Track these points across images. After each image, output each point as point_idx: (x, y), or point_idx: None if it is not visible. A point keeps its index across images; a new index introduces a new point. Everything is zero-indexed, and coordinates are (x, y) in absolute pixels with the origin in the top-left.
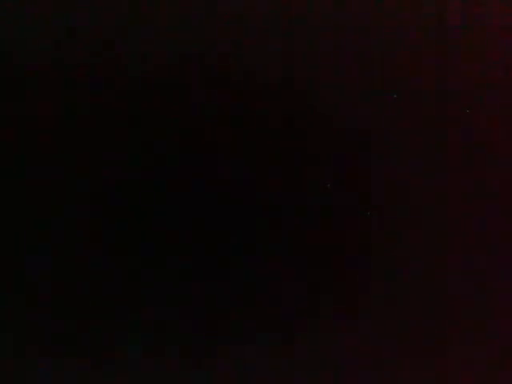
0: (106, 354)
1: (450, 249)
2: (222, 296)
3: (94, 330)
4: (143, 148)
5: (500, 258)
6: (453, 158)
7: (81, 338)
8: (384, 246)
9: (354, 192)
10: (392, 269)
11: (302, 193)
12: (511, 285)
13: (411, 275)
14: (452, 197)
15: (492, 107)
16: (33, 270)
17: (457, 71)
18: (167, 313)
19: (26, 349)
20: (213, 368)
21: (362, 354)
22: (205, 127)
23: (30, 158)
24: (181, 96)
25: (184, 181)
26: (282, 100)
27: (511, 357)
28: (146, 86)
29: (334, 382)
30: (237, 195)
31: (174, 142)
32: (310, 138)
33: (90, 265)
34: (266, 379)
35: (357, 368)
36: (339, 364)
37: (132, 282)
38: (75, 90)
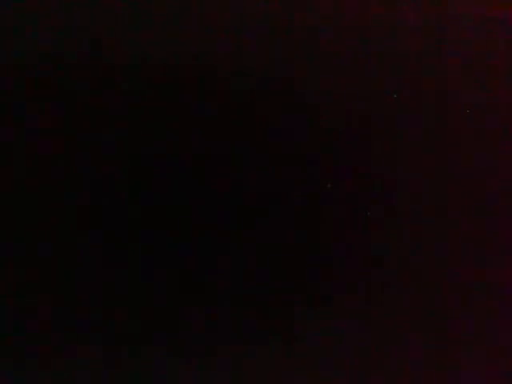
0: (107, 354)
1: (449, 248)
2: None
3: (93, 330)
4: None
5: (502, 256)
6: (453, 158)
7: (80, 339)
8: (384, 246)
9: (354, 192)
10: (392, 269)
11: (302, 193)
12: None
13: (411, 276)
14: (452, 196)
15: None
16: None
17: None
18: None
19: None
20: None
21: (361, 356)
22: (204, 127)
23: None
24: (178, 96)
25: (183, 181)
26: (281, 100)
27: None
28: (144, 86)
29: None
30: (236, 195)
31: (171, 143)
32: (309, 137)
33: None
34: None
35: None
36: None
37: (132, 281)
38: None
